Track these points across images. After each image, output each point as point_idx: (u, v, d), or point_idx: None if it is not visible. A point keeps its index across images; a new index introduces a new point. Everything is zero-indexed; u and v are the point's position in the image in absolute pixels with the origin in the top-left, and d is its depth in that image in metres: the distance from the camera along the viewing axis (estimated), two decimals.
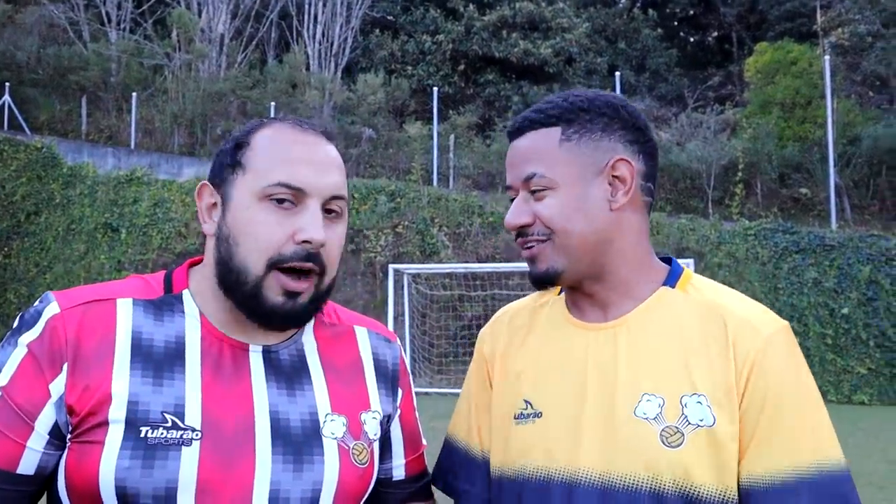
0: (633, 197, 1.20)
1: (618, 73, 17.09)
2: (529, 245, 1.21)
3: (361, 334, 1.29)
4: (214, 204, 1.16)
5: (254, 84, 19.42)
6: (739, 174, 15.23)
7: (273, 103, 17.57)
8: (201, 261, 1.21)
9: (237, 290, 1.11)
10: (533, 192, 1.19)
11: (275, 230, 1.10)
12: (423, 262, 14.18)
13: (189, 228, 15.12)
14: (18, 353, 1.07)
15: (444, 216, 14.94)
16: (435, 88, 18.00)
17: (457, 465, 1.35)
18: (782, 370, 1.11)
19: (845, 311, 12.62)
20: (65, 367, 1.05)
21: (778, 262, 13.25)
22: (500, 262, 13.62)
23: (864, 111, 17.00)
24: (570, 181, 1.18)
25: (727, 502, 1.09)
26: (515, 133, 1.23)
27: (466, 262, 14.10)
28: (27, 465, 1.05)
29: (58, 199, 15.91)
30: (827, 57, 15.54)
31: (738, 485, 1.10)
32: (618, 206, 1.19)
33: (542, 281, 1.22)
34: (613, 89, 16.98)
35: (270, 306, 1.10)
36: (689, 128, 16.92)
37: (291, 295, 1.11)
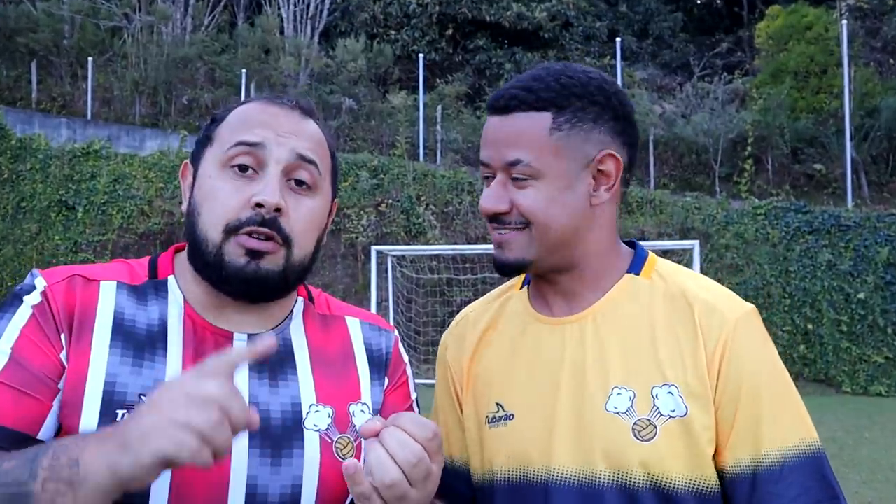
0: (614, 192, 1.24)
1: (618, 39, 17.06)
2: (502, 232, 1.24)
3: (353, 325, 1.32)
4: (191, 183, 1.22)
5: (223, 49, 19.31)
6: (749, 149, 15.29)
7: (244, 70, 17.52)
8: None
9: (201, 261, 1.15)
10: (514, 179, 1.21)
11: (232, 196, 1.14)
12: (408, 244, 14.19)
13: (153, 206, 15.05)
14: (23, 313, 1.10)
15: (430, 194, 14.95)
16: (421, 55, 17.96)
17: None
18: (755, 354, 1.17)
19: (861, 295, 12.74)
20: (63, 338, 1.09)
21: (790, 244, 13.37)
22: (492, 243, 13.45)
23: (883, 80, 17.06)
24: (555, 173, 1.20)
25: (701, 492, 1.15)
26: (501, 110, 1.23)
27: (455, 243, 14.13)
28: (48, 428, 1.06)
29: (6, 174, 15.79)
30: (844, 21, 15.58)
31: (721, 472, 1.16)
32: (599, 202, 1.23)
33: (508, 269, 1.25)
34: (614, 56, 16.96)
35: (233, 269, 1.13)
36: (695, 98, 16.95)
37: (254, 255, 1.13)
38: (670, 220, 13.88)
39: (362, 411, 1.23)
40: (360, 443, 1.20)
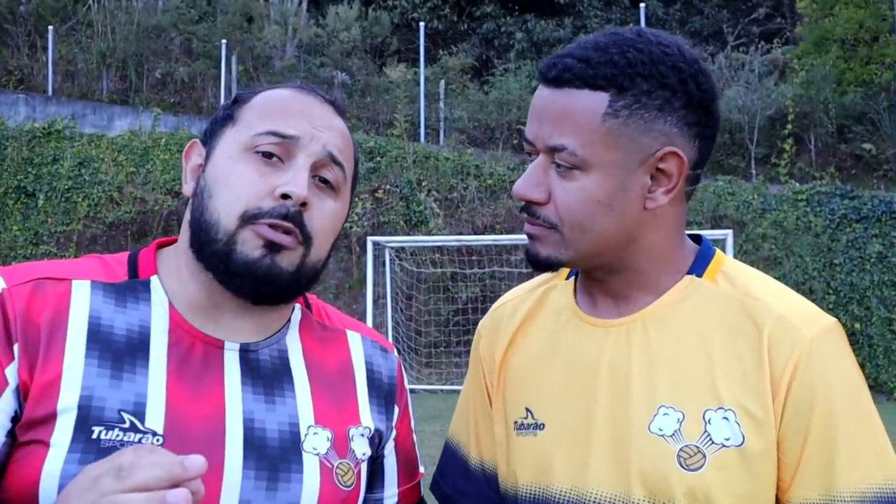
0: (674, 196, 1.19)
1: (642, 5, 16.95)
2: (533, 224, 1.21)
3: (354, 340, 1.34)
4: (200, 164, 1.22)
5: (200, 17, 19.22)
6: (789, 127, 15.18)
7: (224, 41, 17.46)
8: (170, 242, 1.26)
9: (207, 248, 1.15)
10: (557, 165, 1.17)
11: (254, 182, 1.14)
12: (408, 234, 14.19)
13: (122, 193, 15.05)
14: None
15: (433, 178, 14.95)
16: (421, 23, 17.90)
17: (456, 475, 1.40)
18: (832, 376, 1.12)
19: None
20: (16, 348, 1.06)
21: (835, 233, 13.35)
22: (501, 233, 13.68)
23: None
24: (604, 167, 1.15)
25: None
26: (552, 81, 1.18)
27: (460, 233, 14.12)
28: None
29: None
30: None
31: None
32: (655, 205, 1.18)
33: (540, 265, 1.22)
34: (637, 24, 16.87)
35: (245, 262, 1.13)
36: (729, 71, 16.88)
37: (272, 248, 1.13)
38: (700, 208, 13.85)
39: (362, 435, 1.25)
40: (360, 469, 1.23)
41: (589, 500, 1.16)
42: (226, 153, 1.18)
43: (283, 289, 1.17)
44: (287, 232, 1.14)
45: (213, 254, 1.14)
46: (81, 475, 0.82)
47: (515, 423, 1.27)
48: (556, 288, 1.35)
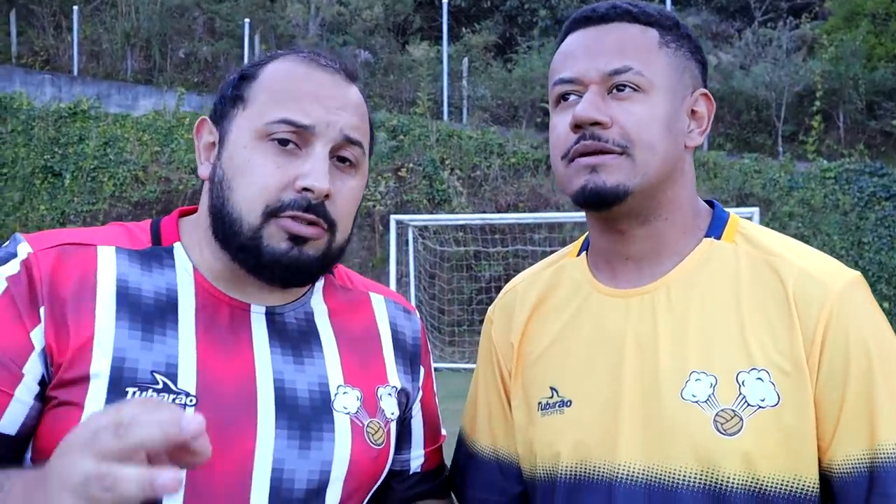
0: (703, 138, 1.25)
1: None
2: (594, 152, 1.17)
3: (378, 302, 1.36)
4: (213, 143, 1.21)
5: None
6: (817, 103, 15.06)
7: (247, 20, 17.43)
8: (192, 211, 1.27)
9: (232, 241, 1.16)
10: (617, 90, 1.18)
11: (273, 174, 1.14)
12: (431, 213, 14.19)
13: (148, 173, 15.14)
14: None
15: (456, 157, 14.92)
16: (444, 1, 17.76)
17: (464, 464, 1.40)
18: (864, 329, 1.12)
19: None
20: (42, 311, 1.08)
21: (863, 212, 13.22)
22: (524, 211, 13.63)
23: None
24: (665, 91, 1.19)
25: (797, 496, 1.11)
26: (598, 20, 1.22)
27: (483, 212, 14.08)
28: (11, 420, 1.05)
29: None
30: None
31: (827, 472, 1.11)
32: (692, 144, 1.23)
33: (604, 198, 1.17)
34: (662, 1, 16.69)
35: (273, 255, 1.14)
36: (756, 47, 16.68)
37: (298, 241, 1.15)
38: (726, 186, 13.73)
39: (389, 395, 1.27)
40: (391, 429, 1.26)
41: (621, 474, 1.15)
42: (240, 142, 1.17)
43: (313, 274, 1.20)
44: (311, 223, 1.15)
45: (240, 248, 1.15)
46: (83, 425, 0.82)
47: (540, 403, 1.26)
48: (567, 266, 1.34)
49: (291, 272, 1.16)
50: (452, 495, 1.42)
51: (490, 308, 1.43)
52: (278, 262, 1.14)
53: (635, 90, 1.17)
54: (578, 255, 1.34)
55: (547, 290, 1.34)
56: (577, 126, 1.17)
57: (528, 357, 1.31)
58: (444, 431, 1.43)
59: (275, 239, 1.14)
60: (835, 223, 13.26)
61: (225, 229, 1.16)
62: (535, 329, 1.32)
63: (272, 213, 1.14)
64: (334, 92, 1.19)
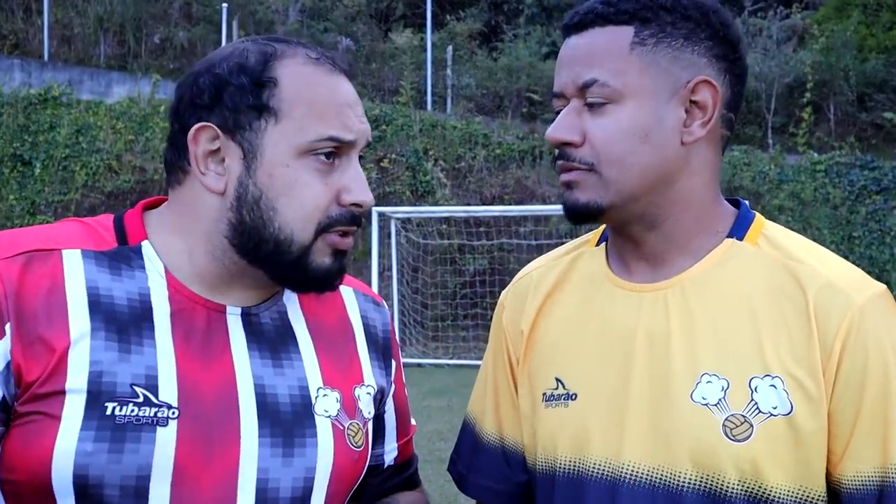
0: (710, 129, 1.20)
1: None
2: (570, 169, 1.20)
3: (348, 295, 1.36)
4: (215, 151, 1.17)
5: None
6: (808, 95, 15.16)
7: (225, 5, 17.43)
8: (157, 203, 1.25)
9: (278, 259, 1.16)
10: (590, 106, 1.18)
11: (322, 193, 1.16)
12: (414, 205, 14.21)
13: (122, 162, 15.07)
14: None
15: (440, 147, 15.00)
16: None
17: (470, 452, 1.41)
18: (885, 348, 1.12)
19: None
20: (8, 328, 1.06)
21: (854, 205, 13.44)
22: (510, 204, 13.88)
23: None
24: (639, 95, 1.17)
25: None
26: (574, 28, 1.22)
27: (468, 204, 14.17)
28: None
29: None
30: None
31: (836, 487, 1.13)
32: (692, 139, 1.19)
33: (579, 214, 1.21)
34: None
35: (318, 271, 1.17)
36: (746, 37, 16.69)
37: (340, 254, 1.19)
38: None
39: (368, 394, 1.29)
40: (368, 429, 1.28)
41: (625, 473, 1.16)
42: (280, 160, 1.15)
43: (340, 281, 1.24)
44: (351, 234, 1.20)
45: (288, 266, 1.16)
46: None
47: (544, 394, 1.27)
48: (585, 255, 1.34)
49: (330, 284, 1.21)
50: (452, 486, 1.43)
51: (503, 293, 1.44)
52: (326, 277, 1.19)
53: (604, 103, 1.17)
54: (598, 244, 1.34)
55: (562, 277, 1.34)
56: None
57: (537, 345, 1.32)
58: (413, 422, 1.45)
59: (320, 254, 1.17)
60: (825, 217, 13.48)
61: (268, 249, 1.16)
62: (546, 317, 1.32)
63: (323, 230, 1.16)
64: (358, 99, 1.22)
